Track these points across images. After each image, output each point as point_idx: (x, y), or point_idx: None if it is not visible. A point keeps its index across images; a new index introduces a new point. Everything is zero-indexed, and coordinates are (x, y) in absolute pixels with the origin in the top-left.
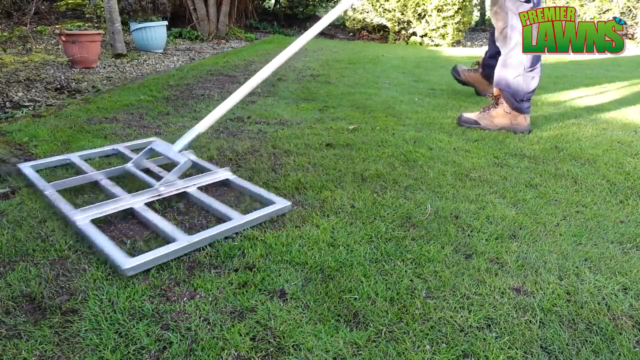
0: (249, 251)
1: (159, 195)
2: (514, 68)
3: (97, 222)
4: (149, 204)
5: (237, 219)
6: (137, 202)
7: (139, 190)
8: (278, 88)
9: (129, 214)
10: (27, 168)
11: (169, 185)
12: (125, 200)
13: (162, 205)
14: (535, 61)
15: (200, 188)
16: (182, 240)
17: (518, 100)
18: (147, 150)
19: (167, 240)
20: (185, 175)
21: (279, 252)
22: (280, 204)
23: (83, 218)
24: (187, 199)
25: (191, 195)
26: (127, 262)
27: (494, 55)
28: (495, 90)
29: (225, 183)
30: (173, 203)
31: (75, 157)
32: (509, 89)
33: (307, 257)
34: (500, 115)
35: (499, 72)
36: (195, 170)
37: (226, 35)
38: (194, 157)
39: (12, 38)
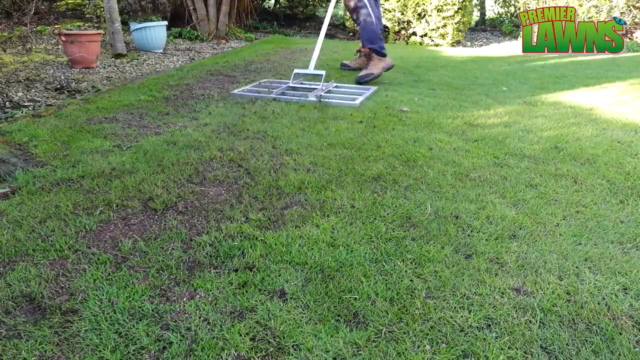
0: (249, 251)
1: (322, 91)
2: (371, 32)
3: None
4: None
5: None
6: (318, 93)
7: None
8: None
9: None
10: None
11: (325, 87)
12: (312, 95)
13: (165, 205)
14: (379, 24)
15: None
16: (362, 96)
17: (380, 49)
18: (295, 74)
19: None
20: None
21: (279, 252)
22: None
23: (312, 95)
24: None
25: (333, 89)
26: (356, 102)
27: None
28: (366, 49)
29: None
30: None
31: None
32: (372, 44)
33: (307, 257)
34: (377, 62)
35: (363, 36)
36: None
37: (226, 35)
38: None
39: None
